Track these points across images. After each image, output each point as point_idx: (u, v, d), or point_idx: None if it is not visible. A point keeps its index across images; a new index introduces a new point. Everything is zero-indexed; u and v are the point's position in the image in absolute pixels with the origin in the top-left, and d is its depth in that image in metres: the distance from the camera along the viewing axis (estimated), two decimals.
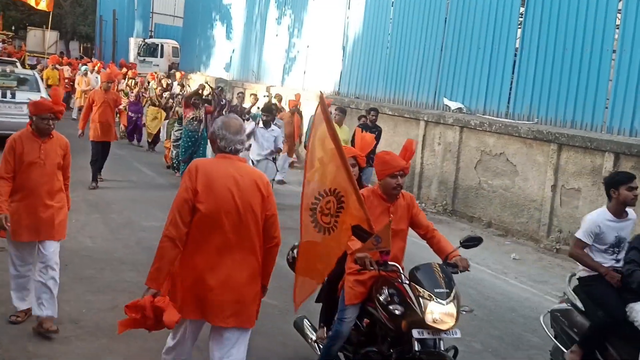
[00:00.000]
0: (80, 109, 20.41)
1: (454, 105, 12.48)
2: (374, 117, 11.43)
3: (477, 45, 12.21)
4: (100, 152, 11.28)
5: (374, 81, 15.21)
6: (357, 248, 3.96)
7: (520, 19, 11.54)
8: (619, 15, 9.87)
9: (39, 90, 14.27)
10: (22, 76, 15.08)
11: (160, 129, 15.68)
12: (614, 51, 9.79)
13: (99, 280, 6.48)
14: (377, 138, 11.13)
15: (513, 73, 11.52)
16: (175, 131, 13.17)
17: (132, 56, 31.42)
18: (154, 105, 15.76)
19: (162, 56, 29.66)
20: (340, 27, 16.62)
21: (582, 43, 10.17)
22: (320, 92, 3.79)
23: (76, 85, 20.84)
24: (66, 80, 21.99)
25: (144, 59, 29.26)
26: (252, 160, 9.67)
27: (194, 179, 3.64)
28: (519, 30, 11.57)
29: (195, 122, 12.28)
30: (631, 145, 8.92)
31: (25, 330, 5.18)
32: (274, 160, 10.02)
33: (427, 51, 13.53)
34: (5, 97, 13.44)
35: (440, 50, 13.17)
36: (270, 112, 10.22)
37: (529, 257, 9.43)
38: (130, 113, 16.67)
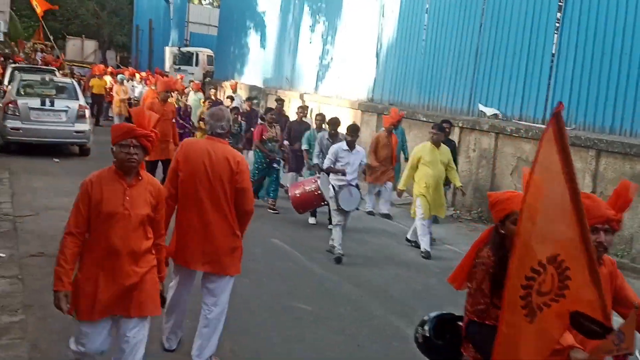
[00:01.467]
0: (120, 117, 20.71)
1: (489, 111, 12.34)
2: (447, 131, 10.14)
3: (513, 51, 12.07)
4: (153, 172, 9.85)
5: (408, 87, 15.13)
6: (573, 345, 2.82)
7: (557, 25, 11.38)
8: None
9: (77, 98, 14.56)
10: (60, 84, 15.39)
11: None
12: None
13: None
14: (453, 154, 9.79)
15: (550, 78, 11.35)
16: None
17: (167, 65, 31.83)
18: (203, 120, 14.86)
19: (197, 65, 29.99)
20: (374, 34, 16.60)
21: (620, 48, 9.97)
22: (560, 103, 2.71)
23: (114, 94, 21.18)
24: (108, 90, 22.41)
25: (180, 68, 29.61)
26: (332, 186, 8.39)
27: (179, 152, 4.71)
28: (556, 36, 11.41)
29: (272, 143, 10.91)
30: None
31: (64, 334, 5.24)
32: (357, 186, 8.58)
33: (462, 57, 13.42)
34: (45, 105, 13.74)
35: (475, 56, 13.06)
36: (357, 131, 8.59)
37: None
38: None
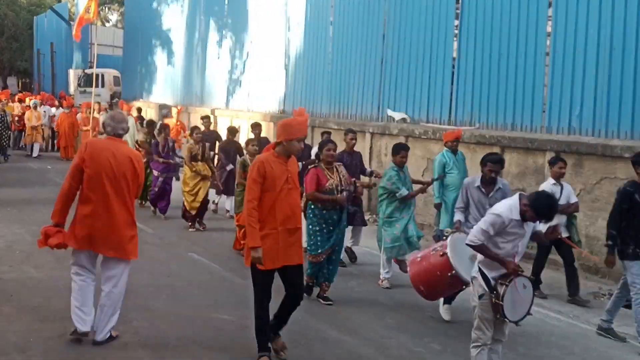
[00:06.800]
0: (33, 146, 19.62)
1: (397, 115, 12.66)
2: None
3: (416, 57, 12.44)
4: None
5: (318, 97, 15.31)
6: None
7: (456, 31, 11.83)
8: (549, 23, 10.21)
9: None
10: None
11: (207, 197, 10.88)
12: (548, 54, 10.11)
13: (46, 309, 6.28)
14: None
15: (452, 81, 11.77)
16: None
17: (72, 87, 30.87)
18: (195, 160, 10.76)
19: (103, 86, 29.21)
20: (281, 47, 16.71)
21: (516, 48, 10.46)
22: None
23: (26, 121, 20.02)
24: (17, 118, 21.10)
25: (85, 90, 28.76)
26: (485, 277, 4.85)
27: (84, 151, 5.32)
28: (455, 42, 11.84)
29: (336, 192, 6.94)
30: (570, 142, 9.21)
31: None
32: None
33: (368, 66, 13.71)
34: None
35: (380, 64, 13.37)
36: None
37: None
38: (155, 172, 11.48)
